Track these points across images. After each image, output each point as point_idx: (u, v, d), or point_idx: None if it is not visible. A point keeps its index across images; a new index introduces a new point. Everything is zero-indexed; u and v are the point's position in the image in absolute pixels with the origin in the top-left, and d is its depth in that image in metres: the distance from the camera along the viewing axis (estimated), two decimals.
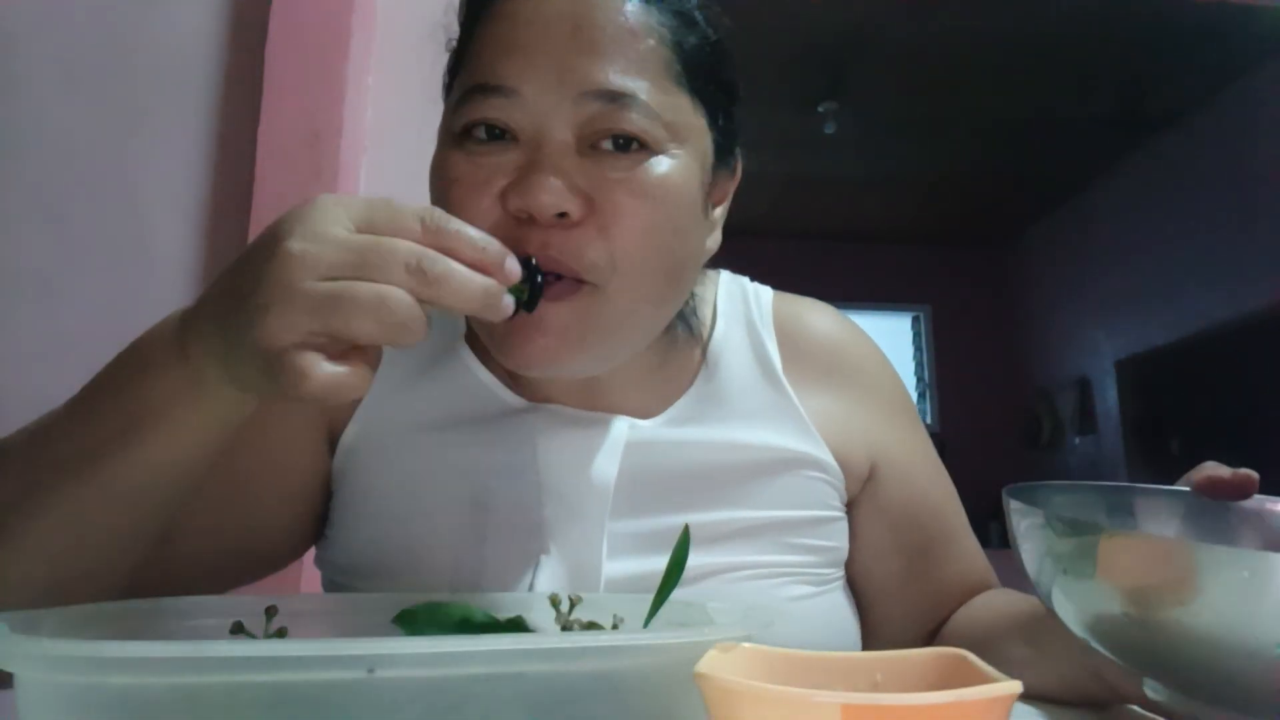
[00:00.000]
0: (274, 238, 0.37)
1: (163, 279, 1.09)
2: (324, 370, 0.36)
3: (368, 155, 1.22)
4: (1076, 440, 4.58)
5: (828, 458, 0.62)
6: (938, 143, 4.06)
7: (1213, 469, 0.48)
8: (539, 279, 0.46)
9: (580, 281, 0.49)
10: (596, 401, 0.59)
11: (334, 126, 1.13)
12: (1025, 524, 0.39)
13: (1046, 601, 0.39)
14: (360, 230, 0.37)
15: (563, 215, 0.48)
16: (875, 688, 0.33)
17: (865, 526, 0.65)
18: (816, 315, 0.68)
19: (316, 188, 1.11)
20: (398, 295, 0.36)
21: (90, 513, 0.44)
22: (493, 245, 0.39)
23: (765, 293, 0.69)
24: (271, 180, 1.11)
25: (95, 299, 1.06)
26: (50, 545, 0.44)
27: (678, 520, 0.55)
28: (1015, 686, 0.25)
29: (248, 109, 1.13)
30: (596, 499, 0.55)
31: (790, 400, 0.62)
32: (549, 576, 0.54)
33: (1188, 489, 0.49)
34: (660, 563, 0.45)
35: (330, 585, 0.63)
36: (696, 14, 0.55)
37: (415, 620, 0.40)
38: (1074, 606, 0.37)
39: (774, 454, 0.60)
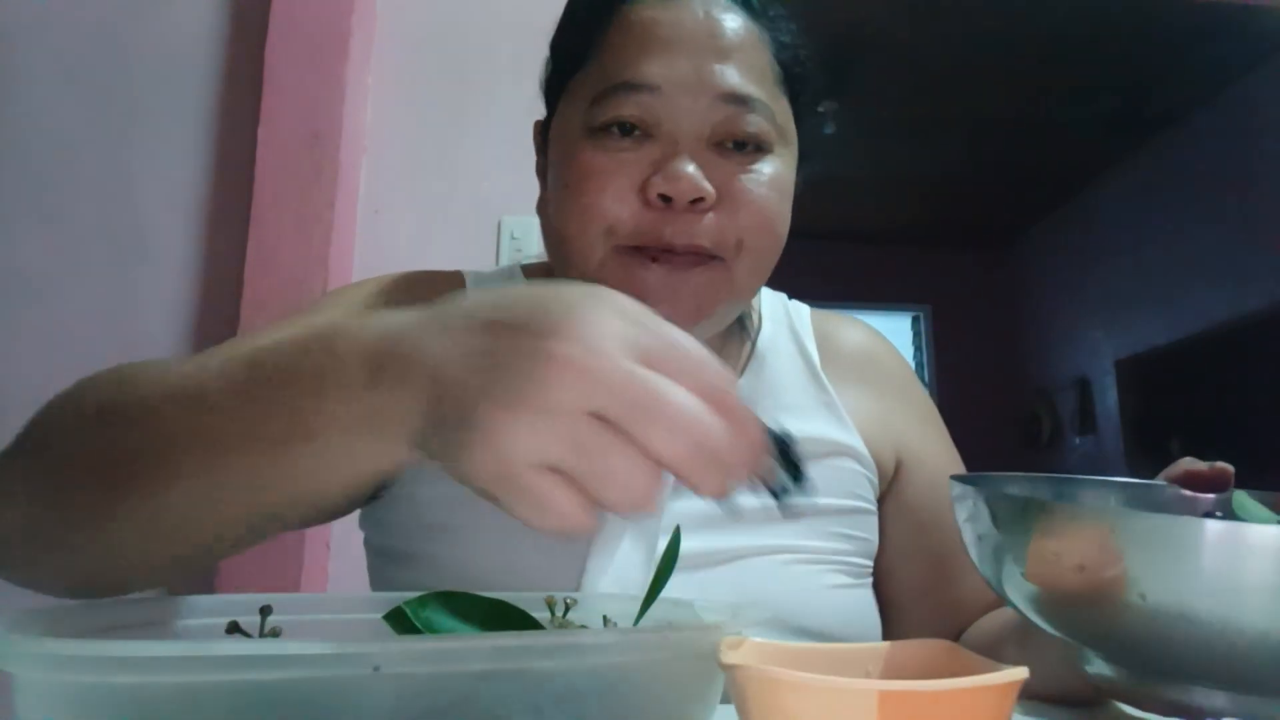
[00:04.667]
0: (548, 330, 0.30)
1: (163, 279, 1.09)
2: (565, 505, 0.30)
3: (368, 155, 1.22)
4: (1076, 440, 4.58)
5: (863, 449, 0.66)
6: (938, 143, 4.05)
7: (1190, 463, 0.50)
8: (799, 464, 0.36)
9: (711, 257, 0.56)
10: None
11: (334, 126, 1.13)
12: (964, 505, 0.39)
13: (993, 585, 0.39)
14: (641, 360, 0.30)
15: (697, 201, 0.54)
16: (868, 677, 0.34)
17: (891, 525, 0.67)
18: (852, 327, 0.74)
19: (316, 188, 1.11)
20: (649, 469, 0.30)
21: (227, 494, 0.37)
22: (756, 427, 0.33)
23: (803, 307, 0.75)
24: (271, 180, 1.11)
25: (95, 299, 1.07)
26: (179, 509, 0.38)
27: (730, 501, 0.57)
28: (1023, 672, 0.28)
29: (248, 109, 1.14)
30: None
31: (830, 396, 0.67)
32: (602, 552, 0.55)
33: (1159, 482, 0.51)
34: (712, 541, 0.53)
35: (374, 547, 0.64)
36: (792, 31, 0.63)
37: (411, 614, 0.40)
38: (1015, 586, 0.37)
39: (818, 445, 0.64)
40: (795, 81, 0.61)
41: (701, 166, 0.55)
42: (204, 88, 1.15)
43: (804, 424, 0.64)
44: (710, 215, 0.55)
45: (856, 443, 0.65)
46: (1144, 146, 4.00)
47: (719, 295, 0.57)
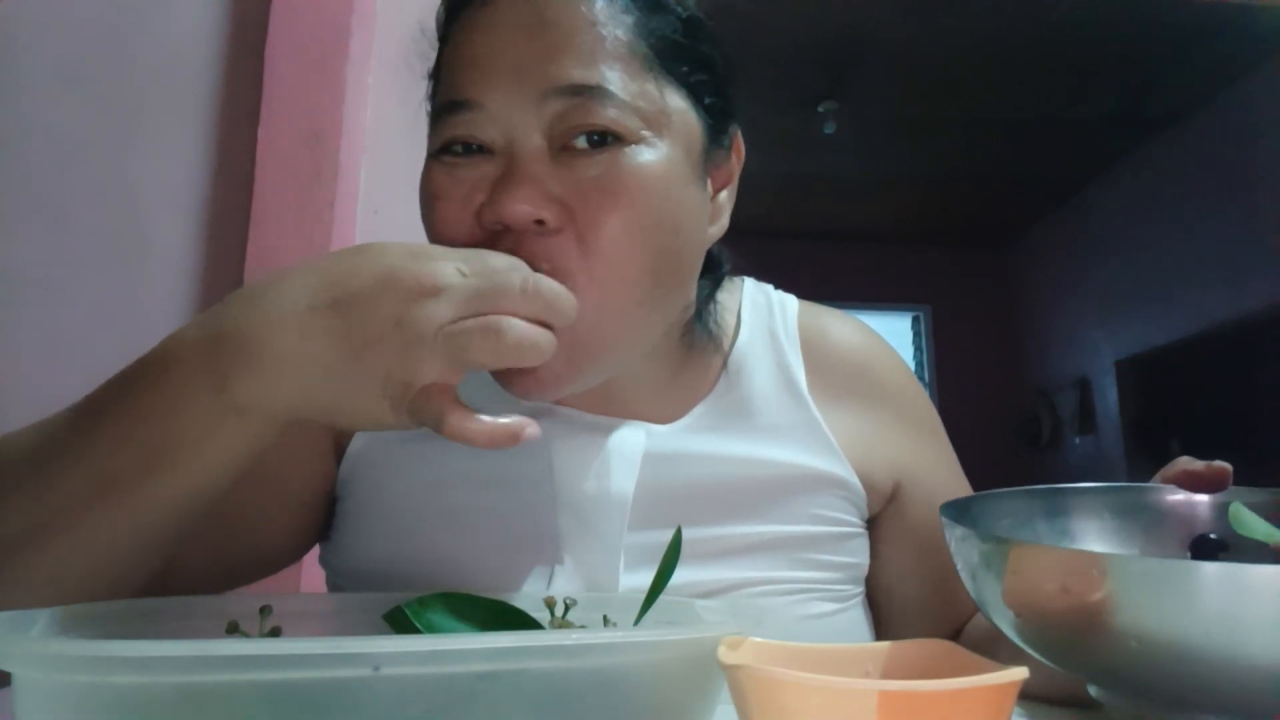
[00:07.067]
0: (373, 271, 0.39)
1: (163, 279, 1.09)
2: (479, 419, 0.39)
3: (368, 156, 1.22)
4: (1076, 440, 4.58)
5: (850, 476, 0.60)
6: (938, 143, 4.05)
7: (1187, 463, 0.48)
8: None
9: None
10: (610, 406, 0.58)
11: (334, 127, 1.13)
12: (954, 538, 0.40)
13: (984, 611, 0.39)
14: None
15: (540, 223, 0.47)
16: (868, 677, 0.34)
17: (889, 547, 0.64)
18: (843, 328, 0.67)
19: (316, 188, 1.11)
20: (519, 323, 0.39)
21: (110, 541, 0.42)
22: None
23: (791, 303, 0.67)
24: (271, 180, 1.11)
25: (95, 299, 1.07)
26: (64, 574, 0.42)
27: (695, 533, 0.53)
28: (1023, 672, 0.28)
29: (248, 109, 1.13)
30: (614, 513, 0.54)
31: (813, 416, 0.61)
32: (563, 588, 0.52)
33: (1154, 484, 0.49)
34: (679, 576, 0.45)
35: (334, 587, 0.63)
36: None
37: (411, 615, 0.40)
38: (1004, 616, 0.37)
39: (795, 470, 0.58)
40: (675, 55, 0.52)
41: (543, 180, 0.47)
42: (204, 88, 1.15)
43: (779, 450, 0.59)
44: (558, 239, 0.47)
45: (842, 469, 0.60)
46: (1144, 146, 4.00)
47: (580, 344, 0.48)
